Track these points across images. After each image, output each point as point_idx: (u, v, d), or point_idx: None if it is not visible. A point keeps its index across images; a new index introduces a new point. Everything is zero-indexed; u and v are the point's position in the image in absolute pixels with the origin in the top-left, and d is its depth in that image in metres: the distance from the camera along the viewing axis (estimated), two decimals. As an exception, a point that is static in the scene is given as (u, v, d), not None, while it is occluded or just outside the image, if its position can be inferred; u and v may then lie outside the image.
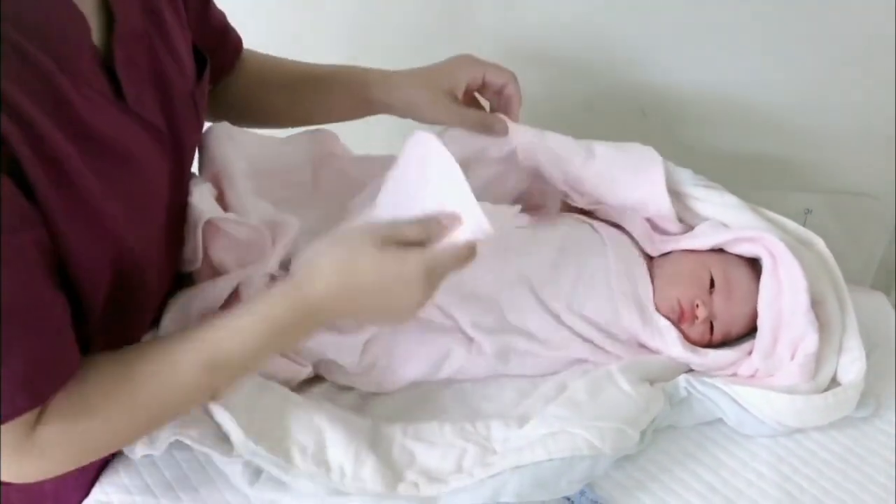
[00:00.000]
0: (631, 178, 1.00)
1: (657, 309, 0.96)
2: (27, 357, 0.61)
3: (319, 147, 1.04)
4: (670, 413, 0.88)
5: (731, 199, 1.03)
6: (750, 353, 0.93)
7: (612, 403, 0.82)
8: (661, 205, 0.99)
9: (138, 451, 0.82)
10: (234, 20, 1.00)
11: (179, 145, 0.80)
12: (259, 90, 1.00)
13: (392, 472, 0.79)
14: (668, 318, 0.95)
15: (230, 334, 0.70)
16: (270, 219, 0.89)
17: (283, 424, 0.80)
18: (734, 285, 0.97)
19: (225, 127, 0.94)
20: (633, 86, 1.43)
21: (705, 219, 1.03)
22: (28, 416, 0.63)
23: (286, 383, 0.87)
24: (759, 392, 0.87)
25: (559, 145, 0.99)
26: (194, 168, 0.92)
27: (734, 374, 0.93)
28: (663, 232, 1.04)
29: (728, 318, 0.96)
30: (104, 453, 0.73)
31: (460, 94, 0.95)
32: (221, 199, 0.89)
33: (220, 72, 0.96)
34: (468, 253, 0.74)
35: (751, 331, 0.96)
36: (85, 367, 0.67)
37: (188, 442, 0.78)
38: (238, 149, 0.93)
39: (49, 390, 0.64)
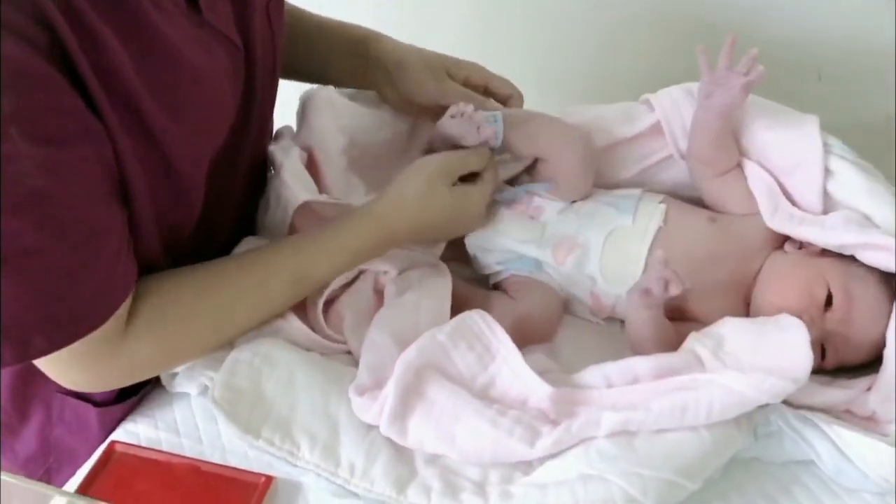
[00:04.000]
0: (784, 129, 0.88)
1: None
2: (92, 275, 0.61)
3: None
4: (754, 445, 0.74)
5: (880, 188, 0.84)
6: (869, 389, 0.77)
7: (673, 446, 0.69)
8: (811, 146, 0.86)
9: (176, 385, 0.80)
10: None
11: (253, 63, 0.77)
12: None
13: (407, 468, 0.72)
14: None
15: (319, 257, 0.78)
16: (361, 197, 0.89)
17: (292, 407, 0.74)
18: (857, 305, 0.80)
19: (327, 94, 0.93)
20: (806, 44, 1.25)
21: (841, 205, 0.86)
22: (113, 325, 0.66)
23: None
24: (868, 440, 0.72)
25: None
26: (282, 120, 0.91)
27: (847, 411, 0.77)
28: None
29: (844, 343, 0.79)
30: (186, 359, 0.76)
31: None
32: (314, 170, 0.90)
33: None
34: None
35: (875, 361, 0.79)
36: (177, 274, 0.72)
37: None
38: (338, 119, 0.93)
39: (105, 313, 0.64)
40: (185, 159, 0.69)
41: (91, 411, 0.79)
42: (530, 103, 1.12)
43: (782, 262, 0.85)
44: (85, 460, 0.78)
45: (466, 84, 0.93)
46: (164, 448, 0.78)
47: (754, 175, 0.89)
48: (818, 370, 0.79)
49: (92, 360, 0.67)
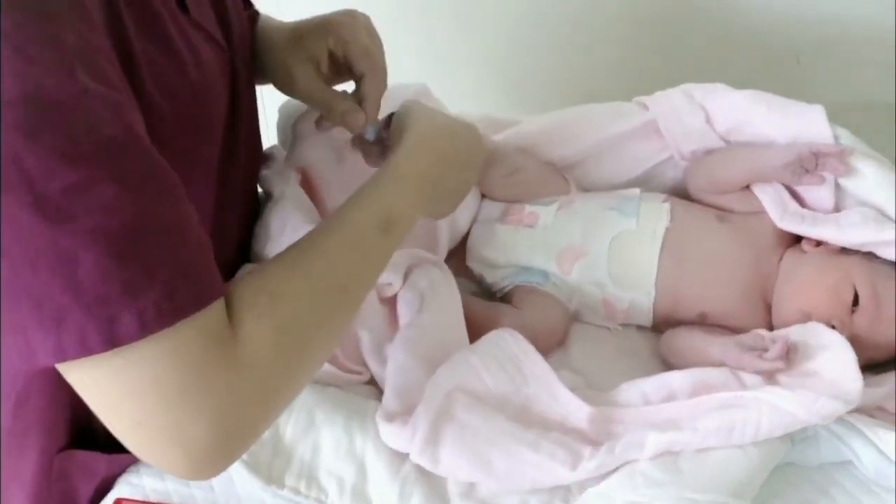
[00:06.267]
0: (785, 111, 0.87)
1: (781, 322, 0.81)
2: (186, 244, 0.52)
3: None
4: (791, 451, 0.73)
5: (892, 178, 0.83)
6: (901, 385, 0.76)
7: (720, 466, 0.67)
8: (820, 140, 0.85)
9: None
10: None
11: (237, 70, 0.73)
12: None
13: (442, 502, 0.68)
14: None
15: (391, 191, 0.68)
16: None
17: (315, 449, 0.70)
18: (884, 303, 0.79)
19: (312, 118, 0.86)
20: (785, 26, 1.24)
21: (853, 198, 0.85)
22: (218, 324, 0.53)
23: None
24: (908, 439, 0.70)
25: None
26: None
27: (880, 409, 0.76)
28: (802, 203, 0.87)
29: (872, 343, 0.78)
30: (315, 347, 0.60)
31: (324, 64, 0.79)
32: (311, 191, 0.85)
33: None
34: None
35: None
36: (258, 266, 0.62)
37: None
38: (328, 140, 0.87)
39: (212, 289, 0.52)
40: (176, 154, 0.61)
41: (100, 460, 0.72)
42: (513, 105, 1.09)
43: (803, 264, 0.83)
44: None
45: (334, 60, 0.80)
46: (175, 501, 0.72)
47: None
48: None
49: (212, 379, 0.51)
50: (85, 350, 0.48)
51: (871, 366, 0.80)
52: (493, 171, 0.90)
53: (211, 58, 0.68)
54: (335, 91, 0.80)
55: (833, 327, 0.77)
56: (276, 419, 0.60)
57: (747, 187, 0.87)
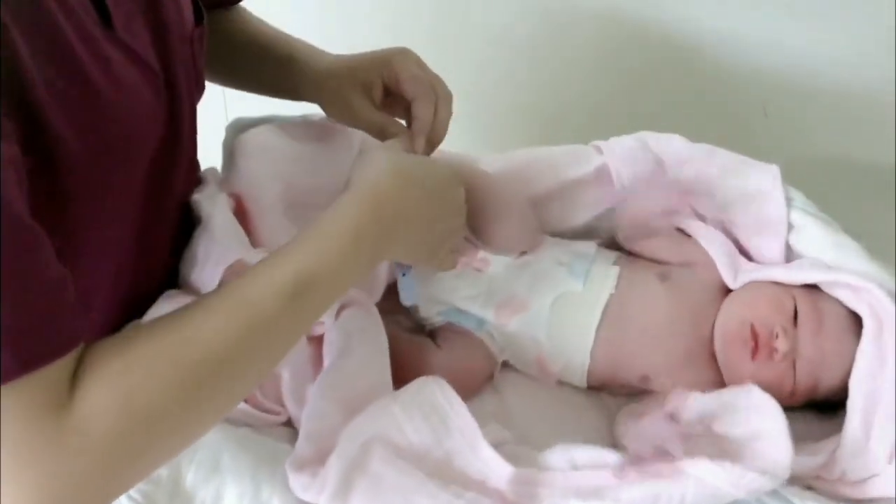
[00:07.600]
0: (738, 169, 0.87)
1: (722, 339, 0.80)
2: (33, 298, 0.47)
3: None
4: (722, 518, 0.70)
5: (846, 240, 0.83)
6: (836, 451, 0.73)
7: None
8: (773, 203, 0.84)
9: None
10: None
11: (177, 95, 0.70)
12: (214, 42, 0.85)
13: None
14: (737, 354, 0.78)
15: (315, 250, 0.60)
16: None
17: (218, 496, 0.66)
18: (826, 319, 0.78)
19: (261, 139, 0.85)
20: (753, 80, 1.24)
21: (802, 256, 0.84)
22: (55, 391, 0.48)
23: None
24: (843, 509, 0.68)
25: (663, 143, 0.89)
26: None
27: (819, 478, 0.73)
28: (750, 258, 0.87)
29: (817, 358, 0.77)
30: (172, 428, 0.53)
31: (377, 93, 0.81)
32: (243, 220, 0.81)
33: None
34: None
35: (841, 401, 0.76)
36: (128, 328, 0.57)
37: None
38: (273, 164, 0.85)
39: (45, 351, 0.47)
40: (86, 186, 0.59)
41: None
42: (473, 144, 1.06)
43: (744, 290, 0.83)
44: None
45: (388, 92, 0.82)
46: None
47: (710, 238, 0.86)
48: (789, 398, 0.77)
49: (36, 453, 0.47)
50: None
51: (818, 406, 0.79)
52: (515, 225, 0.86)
53: (139, 81, 0.64)
54: (388, 116, 0.81)
55: (777, 336, 0.76)
56: (118, 497, 0.54)
57: (678, 233, 0.86)
